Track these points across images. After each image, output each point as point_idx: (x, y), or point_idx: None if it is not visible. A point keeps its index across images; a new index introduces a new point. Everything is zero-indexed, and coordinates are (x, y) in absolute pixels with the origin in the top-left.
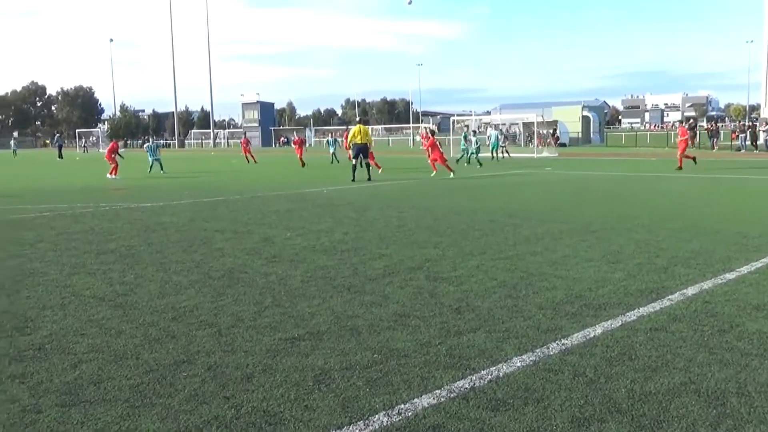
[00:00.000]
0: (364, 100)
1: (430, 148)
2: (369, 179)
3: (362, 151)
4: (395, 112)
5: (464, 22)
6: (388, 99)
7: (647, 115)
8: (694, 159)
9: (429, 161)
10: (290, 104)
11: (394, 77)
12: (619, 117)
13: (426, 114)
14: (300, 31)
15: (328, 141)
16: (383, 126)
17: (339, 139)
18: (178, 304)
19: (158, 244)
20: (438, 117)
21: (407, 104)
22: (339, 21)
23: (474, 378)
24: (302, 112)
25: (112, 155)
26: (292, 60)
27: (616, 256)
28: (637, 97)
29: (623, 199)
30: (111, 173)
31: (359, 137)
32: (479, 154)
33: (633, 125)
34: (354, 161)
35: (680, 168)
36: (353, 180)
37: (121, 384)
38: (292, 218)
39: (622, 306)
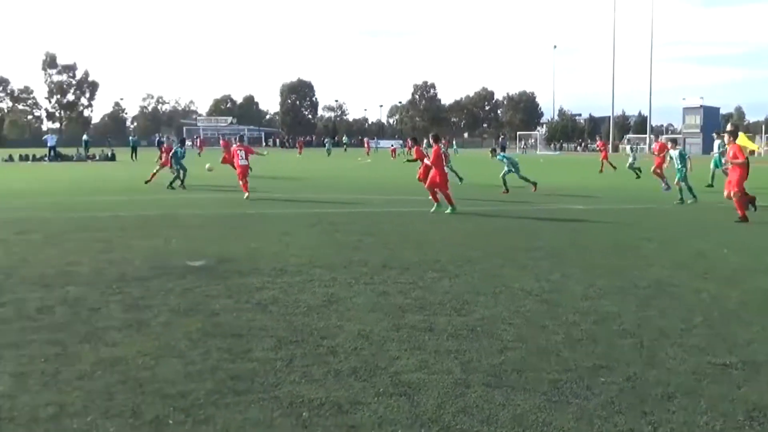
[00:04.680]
0: None
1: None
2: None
3: None
4: None
5: None
6: None
7: None
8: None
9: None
10: (738, 109)
11: None
12: None
13: None
14: (760, 29)
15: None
16: None
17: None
18: (601, 308)
19: (584, 247)
20: None
21: None
22: None
23: None
24: (753, 117)
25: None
26: (744, 60)
27: None
28: None
29: None
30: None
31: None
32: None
33: None
34: None
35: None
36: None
37: (540, 377)
38: (727, 233)
39: None
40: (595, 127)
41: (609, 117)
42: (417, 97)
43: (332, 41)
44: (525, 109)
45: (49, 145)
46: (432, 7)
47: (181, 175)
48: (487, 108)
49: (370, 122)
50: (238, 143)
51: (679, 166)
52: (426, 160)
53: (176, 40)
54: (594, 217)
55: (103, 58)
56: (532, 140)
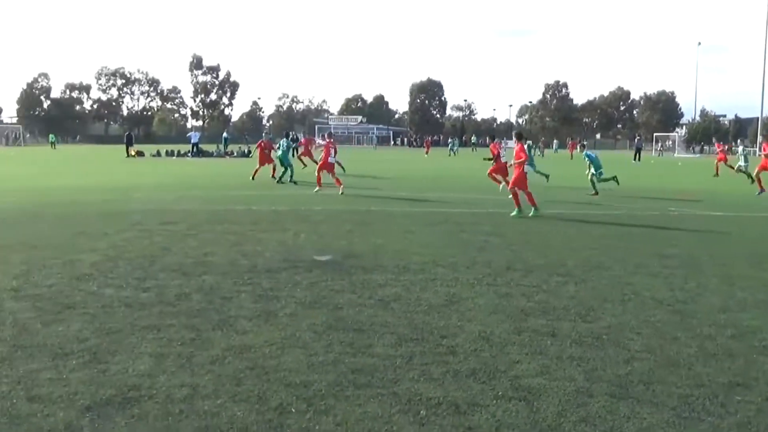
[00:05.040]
0: None
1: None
2: None
3: None
4: None
5: None
6: None
7: None
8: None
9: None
10: None
11: None
12: None
13: None
14: None
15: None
16: None
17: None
18: (740, 322)
19: (722, 256)
20: None
21: None
22: None
23: None
24: None
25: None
26: None
27: None
28: None
29: None
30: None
31: None
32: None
33: None
34: None
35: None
36: None
37: (670, 390)
38: None
39: None
40: (740, 128)
41: (757, 118)
42: (548, 96)
43: (463, 41)
44: (663, 109)
45: (192, 141)
46: (565, 4)
47: (287, 172)
48: (622, 108)
49: (498, 122)
50: (331, 140)
51: None
52: (503, 159)
53: (311, 41)
54: (731, 224)
55: (243, 59)
56: (670, 142)
